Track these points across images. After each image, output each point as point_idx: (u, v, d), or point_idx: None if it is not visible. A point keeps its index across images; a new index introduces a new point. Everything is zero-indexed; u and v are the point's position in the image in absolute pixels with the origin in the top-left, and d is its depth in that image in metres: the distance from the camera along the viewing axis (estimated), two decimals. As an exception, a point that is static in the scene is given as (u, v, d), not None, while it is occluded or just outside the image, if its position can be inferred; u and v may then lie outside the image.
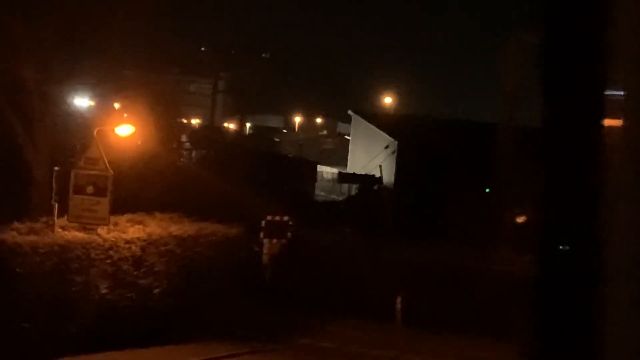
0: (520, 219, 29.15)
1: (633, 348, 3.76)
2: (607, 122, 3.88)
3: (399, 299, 25.31)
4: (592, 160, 3.88)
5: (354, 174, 53.42)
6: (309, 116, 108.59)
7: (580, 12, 3.94)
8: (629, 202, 3.83)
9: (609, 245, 3.81)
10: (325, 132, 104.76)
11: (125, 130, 21.89)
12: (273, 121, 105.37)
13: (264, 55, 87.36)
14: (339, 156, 74.29)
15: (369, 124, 60.88)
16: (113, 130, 21.73)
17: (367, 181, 48.31)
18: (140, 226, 20.63)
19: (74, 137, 26.39)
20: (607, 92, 3.84)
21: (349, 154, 64.36)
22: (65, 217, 19.58)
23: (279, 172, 43.20)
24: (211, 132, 65.45)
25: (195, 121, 76.15)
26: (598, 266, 3.81)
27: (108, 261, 19.11)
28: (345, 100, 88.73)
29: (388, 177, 48.62)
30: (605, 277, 3.77)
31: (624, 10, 3.69)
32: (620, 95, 3.71)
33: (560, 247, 4.26)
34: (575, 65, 4.00)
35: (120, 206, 20.76)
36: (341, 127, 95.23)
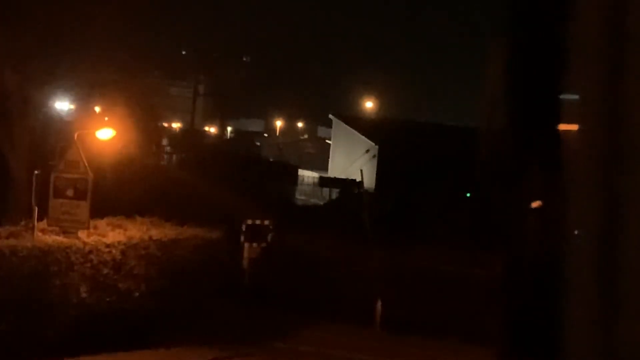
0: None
1: (595, 350, 3.82)
2: (563, 126, 3.93)
3: (377, 304, 25.38)
4: (550, 165, 3.94)
5: (335, 178, 53.54)
6: (289, 120, 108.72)
7: (538, 19, 4.00)
8: (585, 206, 3.88)
9: (569, 252, 3.86)
10: (306, 136, 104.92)
11: (106, 133, 21.85)
12: (254, 125, 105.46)
13: (244, 59, 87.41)
14: (320, 160, 74.43)
15: (349, 127, 61.06)
16: (94, 134, 21.68)
17: (347, 185, 48.40)
18: (121, 230, 20.59)
19: (54, 140, 26.32)
20: (563, 97, 3.89)
21: (330, 158, 64.52)
22: (45, 220, 19.52)
23: (259, 176, 43.22)
24: (192, 135, 65.42)
25: (176, 125, 76.09)
26: (560, 270, 3.86)
27: (88, 265, 19.05)
28: (326, 104, 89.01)
29: (369, 181, 48.73)
30: (567, 281, 3.82)
31: (580, 15, 3.75)
32: (576, 99, 3.76)
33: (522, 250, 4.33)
34: (532, 70, 4.06)
35: (100, 209, 20.71)
36: (322, 131, 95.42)
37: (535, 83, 4.01)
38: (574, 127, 3.84)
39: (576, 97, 3.79)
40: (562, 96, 3.88)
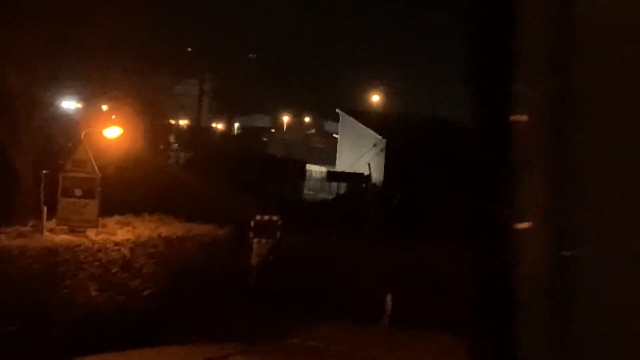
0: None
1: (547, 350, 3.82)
2: (514, 117, 3.93)
3: (386, 300, 25.35)
4: (503, 158, 3.94)
5: (343, 172, 53.48)
6: (296, 115, 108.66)
7: (490, 12, 4.00)
8: (535, 199, 3.89)
9: (519, 244, 3.87)
10: (313, 131, 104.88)
11: (113, 132, 21.87)
12: (261, 121, 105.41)
13: (250, 55, 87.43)
14: (328, 155, 74.43)
15: (357, 122, 61.02)
16: (101, 133, 21.70)
17: (355, 179, 48.34)
18: (129, 228, 20.61)
19: (62, 139, 26.38)
20: (514, 88, 3.89)
21: (337, 152, 64.51)
22: (54, 220, 19.56)
23: (267, 171, 43.24)
24: (199, 132, 65.48)
25: (183, 122, 76.15)
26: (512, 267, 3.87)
27: (97, 264, 19.07)
28: (332, 99, 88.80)
29: (377, 175, 48.69)
30: (518, 279, 3.83)
31: (529, 10, 3.76)
32: (527, 90, 3.77)
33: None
34: (485, 61, 4.06)
35: (108, 208, 20.75)
36: (329, 126, 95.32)
37: (488, 73, 4.01)
38: (523, 118, 3.85)
39: (526, 87, 3.80)
40: (513, 87, 3.89)
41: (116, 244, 19.63)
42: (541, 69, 3.60)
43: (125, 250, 19.73)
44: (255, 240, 27.34)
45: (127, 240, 19.95)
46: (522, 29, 3.67)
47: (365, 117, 62.14)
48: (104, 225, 20.12)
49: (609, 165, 3.43)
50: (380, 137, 53.45)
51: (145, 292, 20.10)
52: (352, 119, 62.47)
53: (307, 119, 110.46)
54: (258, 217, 27.46)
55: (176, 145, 50.17)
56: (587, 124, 3.51)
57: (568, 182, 3.56)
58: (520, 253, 3.70)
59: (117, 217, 21.03)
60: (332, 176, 53.77)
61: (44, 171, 20.02)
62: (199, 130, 68.27)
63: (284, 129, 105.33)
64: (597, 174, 3.47)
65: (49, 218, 19.43)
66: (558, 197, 3.57)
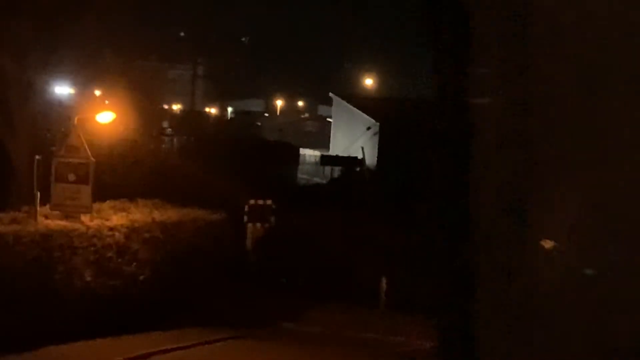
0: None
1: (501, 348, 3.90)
2: (474, 100, 3.97)
3: (382, 283, 25.42)
4: (463, 139, 4.00)
5: (337, 156, 53.46)
6: (290, 99, 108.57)
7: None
8: (493, 181, 3.97)
9: (478, 227, 3.93)
10: (306, 115, 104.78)
11: (106, 117, 21.84)
12: (254, 105, 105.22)
13: (243, 39, 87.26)
14: (321, 139, 74.40)
15: (350, 105, 60.98)
16: (94, 118, 21.69)
17: (349, 163, 48.34)
18: (124, 213, 20.62)
19: (55, 125, 26.37)
20: (473, 70, 3.94)
21: (331, 136, 64.48)
22: (48, 205, 19.56)
23: (261, 156, 43.17)
24: (192, 117, 65.42)
25: (176, 107, 76.06)
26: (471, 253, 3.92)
27: (92, 249, 19.09)
28: (326, 82, 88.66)
29: (370, 158, 48.69)
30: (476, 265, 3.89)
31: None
32: (486, 72, 3.82)
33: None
34: (445, 45, 4.12)
35: (102, 193, 20.76)
36: (322, 109, 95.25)
37: (449, 57, 4.07)
38: (483, 100, 3.89)
39: (486, 70, 3.85)
40: (471, 70, 3.94)
41: (110, 229, 19.65)
42: (500, 50, 3.64)
43: (119, 236, 19.75)
44: (250, 224, 27.41)
45: (122, 225, 19.96)
46: (482, 13, 3.71)
47: (359, 101, 62.10)
48: (98, 211, 20.13)
49: (565, 159, 3.48)
50: (373, 120, 53.42)
51: (141, 277, 20.13)
52: (345, 103, 62.43)
53: (300, 103, 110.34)
54: (252, 202, 27.52)
55: (170, 130, 50.11)
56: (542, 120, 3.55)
57: (525, 163, 3.59)
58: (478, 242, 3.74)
59: (111, 202, 21.03)
60: (326, 160, 53.74)
61: (37, 157, 20.01)
62: (192, 115, 68.18)
63: (278, 113, 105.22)
64: (554, 168, 3.51)
65: (43, 204, 19.44)
66: (515, 176, 3.61)
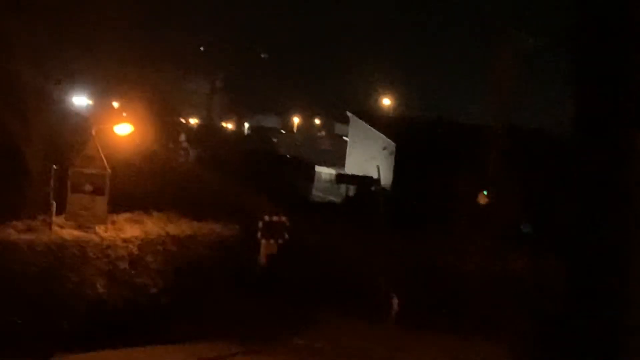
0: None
1: None
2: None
3: (394, 300, 25.35)
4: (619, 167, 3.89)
5: (352, 175, 53.45)
6: (307, 117, 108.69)
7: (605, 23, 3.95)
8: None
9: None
10: (323, 132, 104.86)
11: (124, 129, 21.86)
12: (271, 121, 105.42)
13: (262, 55, 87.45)
14: (337, 157, 74.37)
15: (366, 125, 60.98)
16: (112, 129, 21.71)
17: (364, 182, 48.30)
18: (138, 225, 20.63)
19: (72, 135, 26.37)
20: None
21: (347, 155, 64.46)
22: (63, 215, 19.57)
23: (276, 172, 43.20)
24: (209, 131, 65.49)
25: (193, 121, 76.16)
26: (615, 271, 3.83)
27: (105, 260, 19.10)
28: (343, 101, 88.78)
29: (386, 178, 48.62)
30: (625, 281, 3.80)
31: None
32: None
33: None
34: (606, 74, 4.01)
35: (118, 205, 20.76)
36: (339, 128, 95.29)
37: (606, 86, 3.96)
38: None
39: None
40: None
41: (124, 240, 19.65)
42: None
43: (133, 247, 19.75)
44: (264, 240, 27.36)
45: (136, 237, 19.97)
46: None
47: (376, 120, 62.06)
48: (112, 222, 20.14)
49: None
50: (389, 140, 53.39)
51: (152, 290, 20.10)
52: (362, 122, 62.40)
53: (317, 121, 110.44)
54: (266, 218, 27.46)
55: (186, 143, 50.18)
56: None
57: None
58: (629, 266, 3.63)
59: (126, 214, 21.04)
60: (342, 178, 53.71)
61: (54, 166, 20.05)
62: (209, 128, 68.27)
63: (294, 130, 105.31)
64: None
65: (58, 213, 19.45)
66: None
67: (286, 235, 27.49)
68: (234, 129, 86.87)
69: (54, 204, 19.20)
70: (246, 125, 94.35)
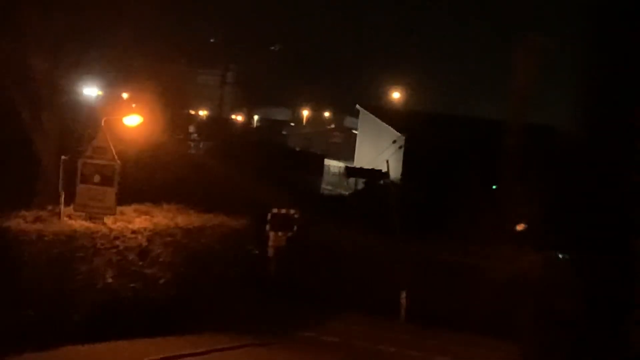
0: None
1: None
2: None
3: (402, 295, 25.37)
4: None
5: (361, 168, 53.33)
6: (316, 110, 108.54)
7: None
8: None
9: None
10: (332, 125, 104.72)
11: (134, 120, 21.86)
12: (281, 114, 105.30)
13: (273, 47, 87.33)
14: (346, 150, 74.31)
15: (376, 118, 60.90)
16: (121, 120, 21.71)
17: (373, 176, 48.17)
18: (147, 216, 20.64)
19: (82, 126, 26.39)
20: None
21: (356, 148, 64.37)
22: (72, 206, 19.60)
23: (286, 165, 43.18)
24: (219, 123, 65.46)
25: (203, 112, 76.13)
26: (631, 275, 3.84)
27: (114, 250, 19.13)
28: (353, 94, 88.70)
29: (395, 172, 48.51)
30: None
31: None
32: None
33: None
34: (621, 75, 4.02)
35: (127, 196, 20.77)
36: (348, 121, 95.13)
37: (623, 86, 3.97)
38: None
39: None
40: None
41: (133, 231, 19.68)
42: None
43: (142, 239, 19.78)
44: (272, 233, 27.42)
45: (145, 228, 19.99)
46: None
47: (385, 113, 61.95)
48: (121, 213, 20.16)
49: None
50: (399, 134, 53.31)
51: (161, 280, 20.14)
52: (372, 116, 62.29)
53: (326, 114, 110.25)
54: (275, 211, 27.54)
55: (196, 135, 50.18)
56: None
57: None
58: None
59: (135, 205, 21.05)
60: (351, 172, 53.64)
61: (63, 157, 20.07)
62: (219, 121, 68.19)
63: (304, 123, 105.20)
64: None
65: (68, 204, 19.48)
66: None
67: (295, 228, 27.55)
68: (243, 121, 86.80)
69: (63, 194, 19.22)
70: (256, 117, 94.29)
